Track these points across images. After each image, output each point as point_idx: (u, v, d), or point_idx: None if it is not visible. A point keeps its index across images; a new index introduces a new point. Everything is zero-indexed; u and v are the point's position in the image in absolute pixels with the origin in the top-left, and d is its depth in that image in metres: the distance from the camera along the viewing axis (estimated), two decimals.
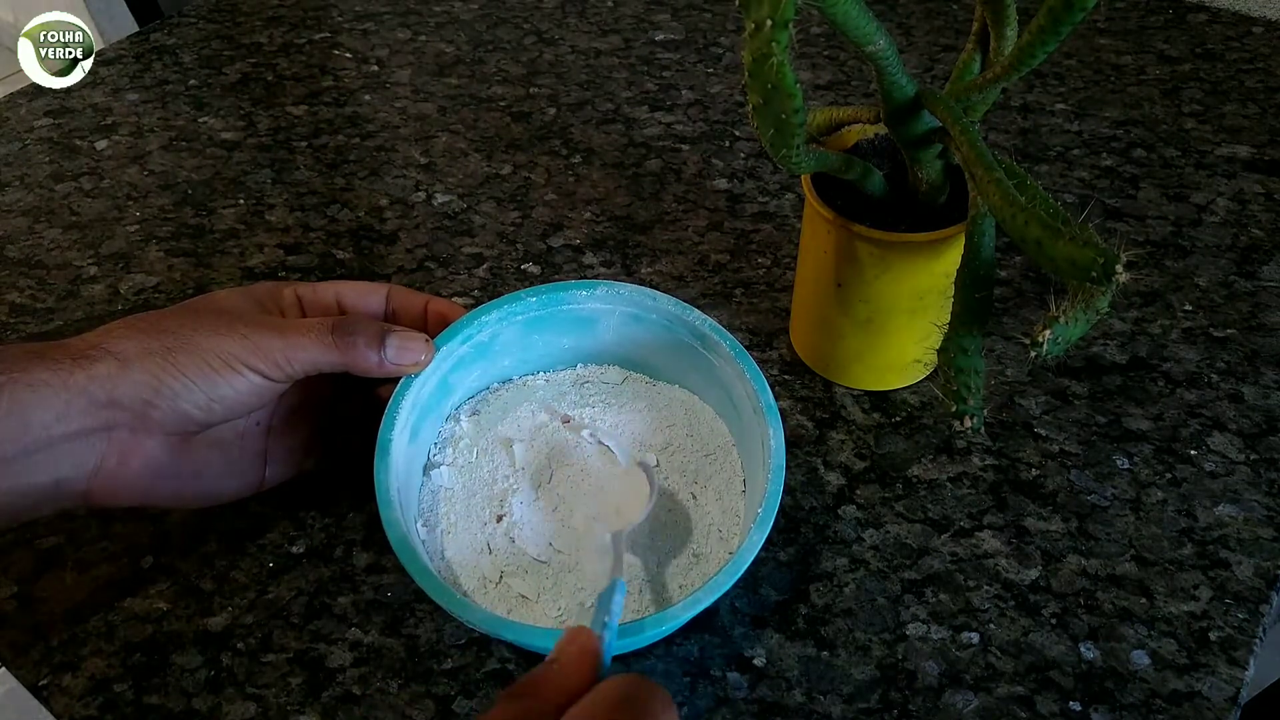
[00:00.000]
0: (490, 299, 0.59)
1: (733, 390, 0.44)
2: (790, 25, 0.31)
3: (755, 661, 0.42)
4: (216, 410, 0.39)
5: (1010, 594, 0.44)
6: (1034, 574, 0.45)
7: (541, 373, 0.49)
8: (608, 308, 0.46)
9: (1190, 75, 0.76)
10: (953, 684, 0.41)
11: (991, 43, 0.41)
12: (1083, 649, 0.42)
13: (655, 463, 0.46)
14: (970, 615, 0.43)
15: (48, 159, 0.72)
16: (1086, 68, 0.77)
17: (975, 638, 0.42)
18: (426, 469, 0.45)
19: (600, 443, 0.46)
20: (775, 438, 0.40)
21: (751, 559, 0.37)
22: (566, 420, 0.47)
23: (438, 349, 0.44)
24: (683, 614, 0.36)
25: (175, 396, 0.38)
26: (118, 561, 0.46)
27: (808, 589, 0.44)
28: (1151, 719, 0.39)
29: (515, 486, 0.45)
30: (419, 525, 0.43)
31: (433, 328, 0.45)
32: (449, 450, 0.46)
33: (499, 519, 0.44)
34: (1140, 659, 0.41)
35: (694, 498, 0.44)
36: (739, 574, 0.37)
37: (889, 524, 0.47)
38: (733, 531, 0.43)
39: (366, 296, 0.45)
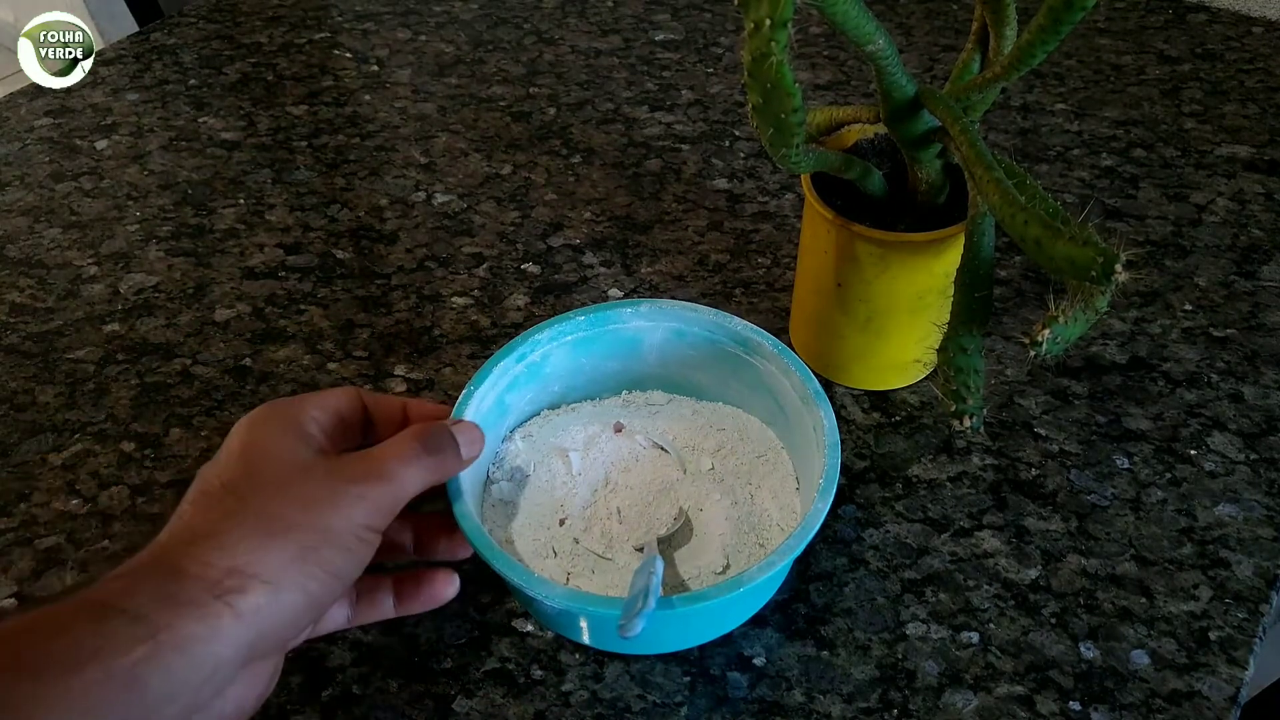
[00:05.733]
0: (490, 299, 0.59)
1: (778, 387, 0.45)
2: (789, 25, 0.31)
3: (755, 661, 0.42)
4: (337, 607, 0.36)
5: (1010, 594, 0.44)
6: (1034, 574, 0.45)
7: (588, 400, 0.50)
8: (651, 324, 0.47)
9: (1190, 75, 0.76)
10: (952, 683, 0.41)
11: (991, 42, 0.41)
12: (1082, 649, 0.42)
13: (710, 466, 0.46)
14: (970, 615, 0.43)
15: (48, 159, 0.72)
16: (1086, 68, 0.77)
17: (975, 637, 0.42)
18: (485, 485, 0.46)
19: (654, 444, 0.47)
20: (827, 418, 0.42)
21: (819, 525, 0.38)
22: (619, 428, 0.48)
23: (494, 365, 0.44)
24: (759, 575, 0.37)
25: (322, 611, 0.33)
26: (117, 561, 0.46)
27: (807, 588, 0.44)
28: (1151, 719, 0.39)
29: (574, 491, 0.45)
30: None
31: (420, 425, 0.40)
32: (506, 466, 0.46)
33: (561, 522, 0.44)
34: (1140, 659, 0.41)
35: (751, 497, 0.45)
36: (809, 537, 0.38)
37: (889, 523, 0.47)
38: (791, 525, 0.43)
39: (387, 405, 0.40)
